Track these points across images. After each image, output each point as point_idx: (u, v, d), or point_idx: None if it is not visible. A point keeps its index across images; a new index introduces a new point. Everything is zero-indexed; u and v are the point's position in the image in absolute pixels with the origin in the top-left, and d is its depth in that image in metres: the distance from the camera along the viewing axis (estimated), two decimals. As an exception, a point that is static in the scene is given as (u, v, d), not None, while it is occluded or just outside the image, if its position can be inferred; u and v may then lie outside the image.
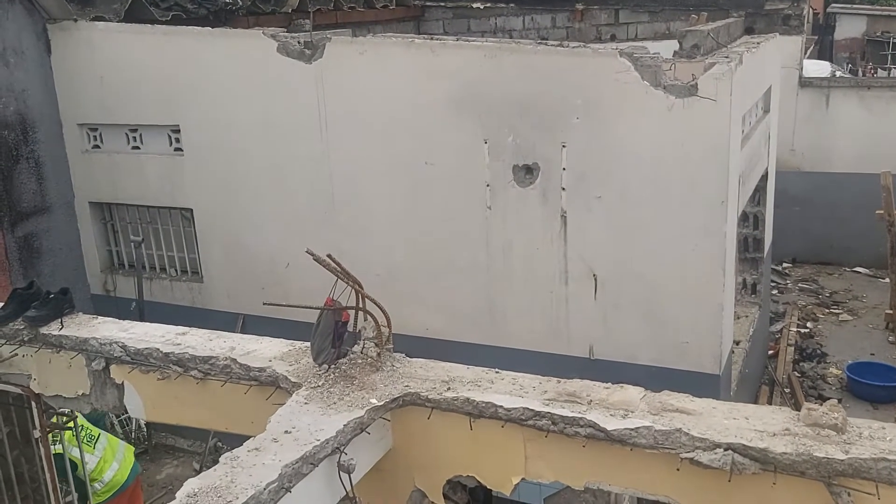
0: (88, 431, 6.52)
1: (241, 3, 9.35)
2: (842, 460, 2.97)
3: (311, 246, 4.01)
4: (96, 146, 8.76)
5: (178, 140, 8.26)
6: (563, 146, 6.63)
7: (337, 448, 3.28)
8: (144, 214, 8.82)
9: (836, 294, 13.06)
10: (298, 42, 7.31)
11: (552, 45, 6.66)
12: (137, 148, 8.53)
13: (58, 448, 5.76)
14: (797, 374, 10.27)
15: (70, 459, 6.04)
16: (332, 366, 3.81)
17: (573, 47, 6.56)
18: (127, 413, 4.64)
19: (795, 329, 11.61)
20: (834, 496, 3.00)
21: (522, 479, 3.60)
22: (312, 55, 7.24)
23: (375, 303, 3.92)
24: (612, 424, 3.30)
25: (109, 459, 6.51)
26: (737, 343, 8.20)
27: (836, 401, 3.33)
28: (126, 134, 8.54)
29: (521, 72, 6.61)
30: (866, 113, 13.14)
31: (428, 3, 13.05)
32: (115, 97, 8.36)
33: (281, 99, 7.54)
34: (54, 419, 5.46)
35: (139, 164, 8.50)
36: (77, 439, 6.06)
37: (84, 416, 6.11)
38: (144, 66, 8.11)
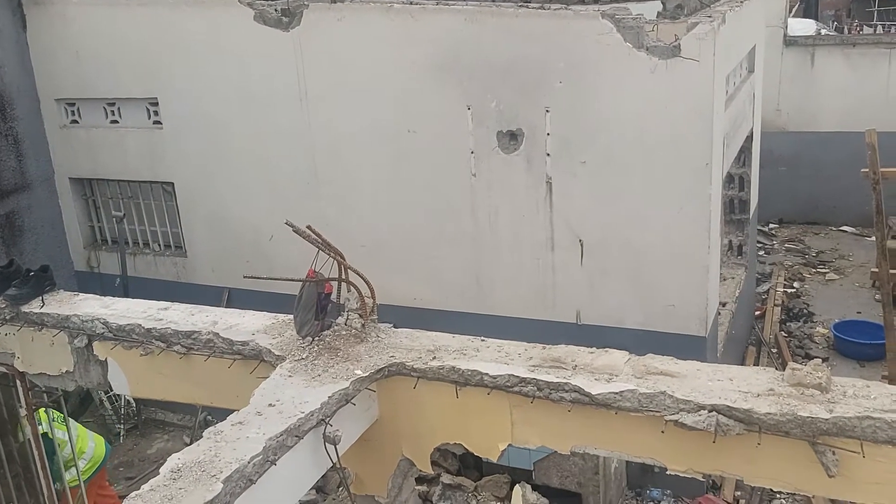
0: (59, 416, 6.52)
1: (217, -28, 9.18)
2: (826, 419, 2.97)
3: (296, 217, 3.96)
4: (74, 121, 8.64)
5: (156, 113, 8.14)
6: (547, 111, 6.57)
7: (322, 420, 3.27)
8: (125, 189, 8.72)
9: (822, 253, 13.10)
10: (275, 10, 7.18)
11: (533, 8, 6.56)
12: (116, 122, 8.42)
13: (43, 428, 5.73)
14: (784, 335, 10.33)
15: (53, 440, 6.01)
16: (316, 338, 3.79)
17: (555, 10, 6.47)
18: (112, 390, 4.62)
19: (782, 289, 11.66)
20: (818, 455, 3.01)
21: (509, 444, 3.60)
22: (290, 23, 7.13)
23: (359, 274, 3.89)
24: (596, 389, 3.30)
25: (84, 437, 6.52)
26: (723, 305, 8.23)
27: (821, 360, 3.33)
28: (104, 108, 8.42)
29: (503, 36, 6.53)
30: (851, 71, 13.09)
31: (408, -32, 12.85)
32: (92, 71, 8.23)
33: (260, 68, 7.43)
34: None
35: (118, 139, 8.39)
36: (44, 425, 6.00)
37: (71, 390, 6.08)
38: (120, 39, 7.97)
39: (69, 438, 6.05)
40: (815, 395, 3.11)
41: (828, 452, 3.00)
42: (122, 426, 8.91)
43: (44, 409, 5.74)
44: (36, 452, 5.65)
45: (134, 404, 9.04)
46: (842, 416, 2.96)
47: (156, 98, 8.05)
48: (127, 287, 8.48)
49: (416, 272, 7.44)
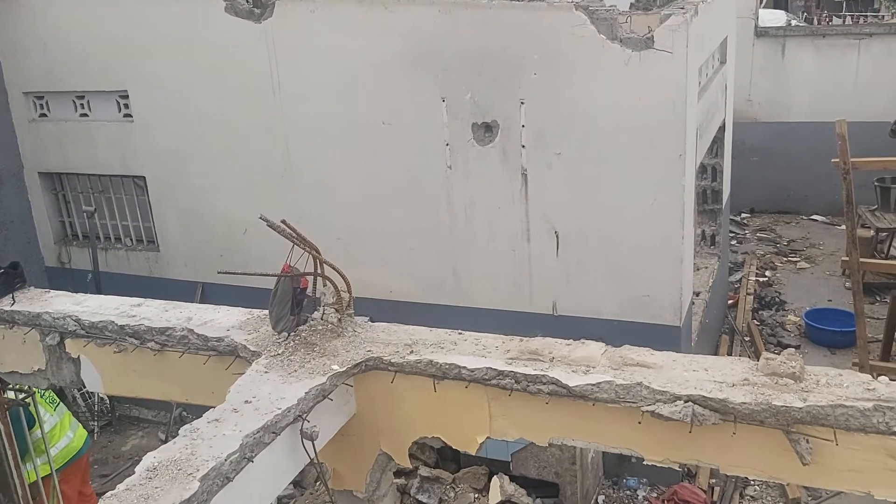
0: (51, 395, 6.45)
1: (187, -37, 9.05)
2: (800, 408, 3.00)
3: (270, 210, 3.94)
4: (43, 115, 8.51)
5: (126, 106, 8.05)
6: (522, 103, 6.57)
7: (299, 416, 3.25)
8: (96, 183, 8.61)
9: (793, 242, 13.26)
10: (247, 1, 7.12)
11: (507, 0, 6.55)
12: (85, 115, 8.31)
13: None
14: (757, 323, 10.45)
15: (31, 414, 5.92)
16: (292, 333, 3.76)
17: (528, 1, 6.47)
18: (85, 388, 4.57)
19: (754, 278, 11.79)
20: (793, 443, 3.05)
21: (487, 437, 3.61)
22: (262, 14, 7.06)
23: (334, 268, 3.87)
24: (574, 381, 3.31)
25: (66, 426, 6.44)
26: (697, 294, 8.30)
27: (794, 349, 3.37)
28: (73, 101, 8.30)
29: (477, 27, 6.51)
30: (821, 61, 13.23)
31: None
32: (60, 64, 8.11)
33: (231, 60, 7.36)
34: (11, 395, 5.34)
35: (88, 132, 8.28)
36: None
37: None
38: (89, 31, 7.86)
39: (41, 426, 5.95)
40: (788, 385, 3.14)
41: (802, 441, 3.04)
42: (96, 423, 8.83)
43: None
44: (10, 451, 5.56)
45: (108, 401, 8.95)
46: (815, 405, 3.00)
47: (126, 91, 7.94)
48: (99, 283, 8.38)
49: (392, 265, 7.43)
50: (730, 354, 9.44)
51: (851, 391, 3.06)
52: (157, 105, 7.83)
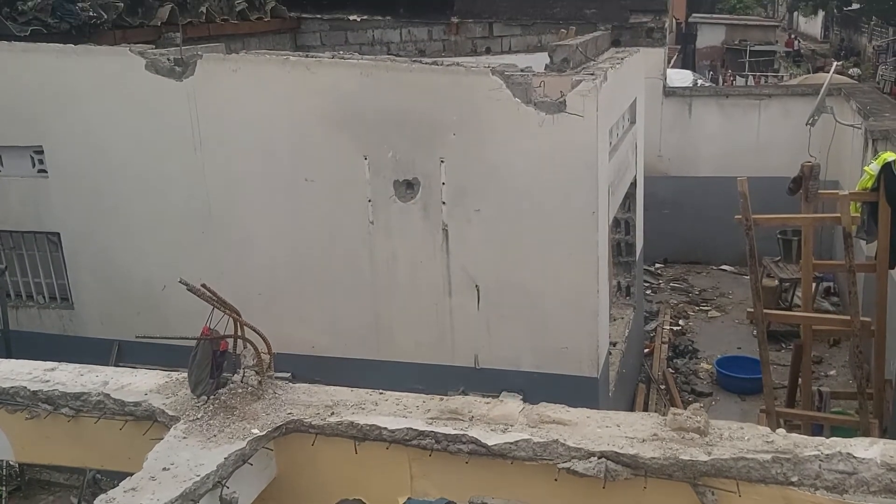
0: None
1: (105, 17, 8.98)
2: (705, 461, 3.16)
3: (189, 267, 3.96)
4: (-48, 169, 8.26)
5: (41, 161, 7.88)
6: (442, 161, 6.74)
7: (218, 482, 3.23)
8: (7, 240, 8.36)
9: (704, 292, 13.77)
10: (168, 59, 7.12)
11: (427, 63, 6.77)
12: (-3, 170, 8.10)
13: None
14: (672, 371, 10.77)
15: None
16: (212, 397, 3.74)
17: (447, 65, 6.69)
18: (-7, 455, 4.42)
19: (668, 327, 12.17)
20: (699, 496, 3.19)
21: (409, 498, 3.65)
22: (183, 72, 7.08)
23: (255, 329, 3.88)
24: (492, 439, 3.39)
25: None
26: (613, 344, 8.54)
27: (699, 405, 3.54)
28: (-16, 156, 8.09)
29: (398, 89, 6.69)
30: (725, 120, 13.93)
31: (304, 16, 12.95)
32: (-29, 117, 7.91)
33: (152, 117, 7.32)
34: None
35: (0, 187, 8.06)
36: None
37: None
38: (2, 85, 7.70)
39: None
40: (694, 439, 3.29)
41: (707, 493, 3.19)
42: (4, 488, 8.42)
43: None
44: None
45: (16, 464, 8.57)
46: (719, 458, 3.16)
47: (41, 146, 7.79)
48: (9, 342, 8.09)
49: (314, 320, 7.42)
50: (646, 403, 9.70)
51: (752, 444, 3.23)
52: (73, 161, 7.70)
